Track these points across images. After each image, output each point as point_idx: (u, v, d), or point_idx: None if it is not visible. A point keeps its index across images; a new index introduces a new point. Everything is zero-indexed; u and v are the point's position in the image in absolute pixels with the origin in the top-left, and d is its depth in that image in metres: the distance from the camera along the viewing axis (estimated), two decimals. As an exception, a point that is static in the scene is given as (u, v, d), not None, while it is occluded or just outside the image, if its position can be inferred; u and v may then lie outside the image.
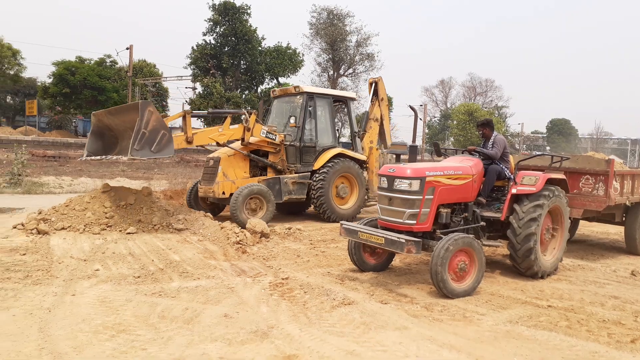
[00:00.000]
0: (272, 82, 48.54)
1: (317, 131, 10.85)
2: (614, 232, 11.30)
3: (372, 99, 11.89)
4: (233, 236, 7.72)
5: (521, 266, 6.59)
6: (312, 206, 10.83)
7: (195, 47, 44.72)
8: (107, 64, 47.45)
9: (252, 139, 9.96)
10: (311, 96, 10.72)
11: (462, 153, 7.25)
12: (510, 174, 6.90)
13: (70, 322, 4.31)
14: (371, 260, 6.59)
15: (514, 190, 6.51)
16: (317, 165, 10.67)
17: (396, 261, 7.13)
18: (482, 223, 6.54)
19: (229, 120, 9.95)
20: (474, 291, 5.76)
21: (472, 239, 5.74)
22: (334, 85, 49.26)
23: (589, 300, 5.77)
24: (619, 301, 5.80)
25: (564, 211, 6.97)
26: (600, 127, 74.72)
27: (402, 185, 5.83)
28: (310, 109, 10.70)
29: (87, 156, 8.92)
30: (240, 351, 3.90)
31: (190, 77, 46.92)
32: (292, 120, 10.25)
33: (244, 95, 46.18)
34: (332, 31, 46.78)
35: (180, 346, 3.94)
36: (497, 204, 6.84)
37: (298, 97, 10.83)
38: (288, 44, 46.97)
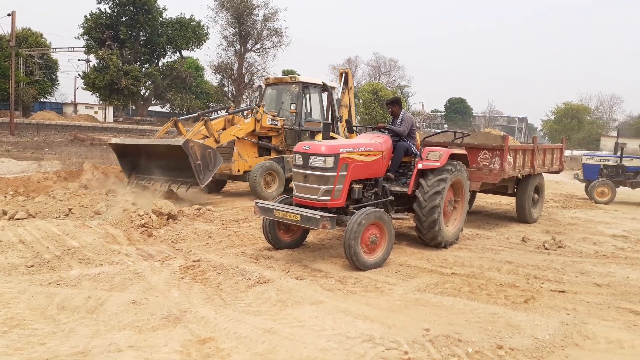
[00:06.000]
0: (174, 55, 46.27)
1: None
2: (505, 202, 12.32)
3: (342, 88, 12.94)
4: (137, 219, 7.29)
5: (426, 237, 6.94)
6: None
7: (88, 16, 41.19)
8: (-16, 32, 42.21)
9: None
10: (306, 85, 11.87)
11: (373, 130, 7.41)
12: (416, 150, 7.17)
13: (-51, 321, 3.82)
14: (286, 238, 6.57)
15: (419, 166, 6.79)
16: None
17: (310, 237, 7.17)
18: (391, 197, 6.77)
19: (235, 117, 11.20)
20: (384, 262, 5.97)
21: (383, 213, 5.92)
22: (241, 61, 48.07)
23: (487, 266, 6.23)
24: (513, 265, 6.33)
25: (464, 184, 7.42)
26: (492, 105, 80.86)
27: (317, 162, 5.84)
28: (305, 96, 11.84)
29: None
30: (152, 338, 3.70)
31: (84, 49, 43.26)
32: (292, 107, 11.39)
33: (143, 69, 43.57)
34: (237, 4, 45.35)
35: (84, 337, 3.65)
36: (404, 179, 7.10)
37: (294, 85, 11.98)
38: (192, 15, 44.93)
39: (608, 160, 15.16)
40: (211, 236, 7.09)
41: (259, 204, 6.16)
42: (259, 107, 11.21)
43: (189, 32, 44.17)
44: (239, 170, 11.00)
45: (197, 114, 12.49)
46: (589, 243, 8.13)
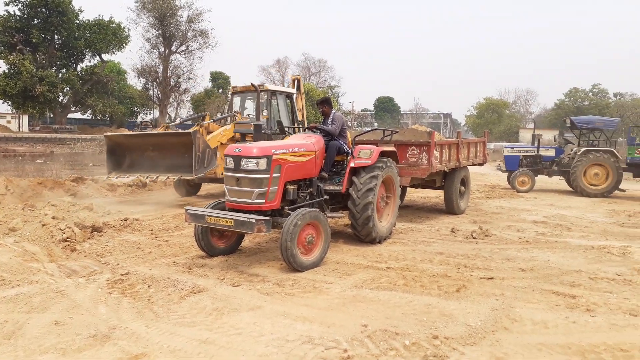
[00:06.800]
0: (94, 58, 43.95)
1: (281, 120, 12.37)
2: (434, 196, 12.79)
3: (295, 93, 13.59)
4: (58, 234, 6.82)
5: (361, 233, 7.04)
6: None
7: (-5, 19, 38.17)
8: None
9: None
10: (273, 93, 12.46)
11: (304, 130, 7.40)
12: (348, 148, 7.25)
13: None
14: (220, 244, 6.40)
15: (352, 164, 6.87)
16: None
17: (246, 242, 7.05)
18: (326, 197, 6.80)
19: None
20: (322, 262, 5.98)
21: (318, 213, 5.92)
22: (165, 63, 46.56)
23: (420, 258, 6.41)
24: (444, 256, 6.56)
25: (395, 180, 7.60)
26: (418, 103, 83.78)
27: (250, 164, 5.73)
28: (273, 102, 12.36)
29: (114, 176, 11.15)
30: (78, 359, 3.46)
31: (-9, 54, 40.04)
32: (264, 113, 11.88)
33: (60, 74, 41.09)
34: (160, 5, 43.88)
35: (-1, 367, 3.35)
36: (338, 178, 7.16)
37: (262, 93, 12.36)
38: (111, 17, 42.85)
39: (527, 151, 16.16)
40: (140, 247, 6.77)
41: (189, 211, 5.96)
42: (236, 114, 11.91)
43: (109, 35, 42.05)
44: (222, 173, 11.47)
45: (178, 121, 13.65)
46: (513, 230, 8.60)
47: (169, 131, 11.71)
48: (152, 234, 7.69)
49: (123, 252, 6.52)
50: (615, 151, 14.52)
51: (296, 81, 14.47)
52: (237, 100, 13.25)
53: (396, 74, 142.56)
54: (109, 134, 11.70)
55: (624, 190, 14.61)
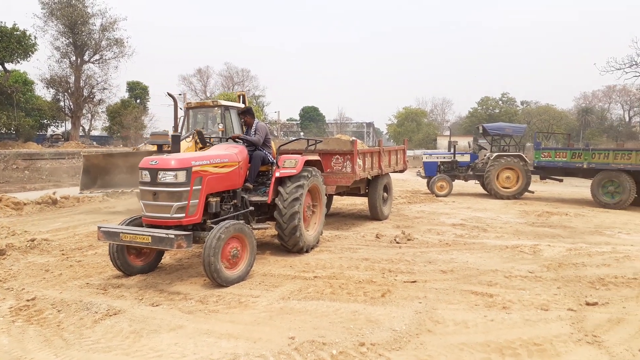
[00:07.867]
0: (-3, 68, 40.54)
1: (201, 130, 12.38)
2: (359, 203, 13.01)
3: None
4: (-47, 258, 6.15)
5: (288, 243, 6.97)
6: None
7: None
8: None
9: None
10: (227, 108, 12.61)
11: (227, 141, 7.24)
12: (273, 158, 7.18)
13: None
14: (137, 262, 6.05)
15: (277, 174, 6.81)
16: None
17: (166, 258, 6.73)
18: (251, 208, 6.67)
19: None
20: (248, 275, 5.83)
21: (243, 225, 5.77)
22: (78, 73, 43.94)
23: (347, 266, 6.45)
24: (369, 262, 6.65)
25: (321, 189, 7.62)
26: (342, 112, 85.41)
27: (167, 177, 5.47)
28: (227, 116, 12.48)
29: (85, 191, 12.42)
30: (-28, 402, 3.09)
31: None
32: (220, 127, 11.81)
33: (-42, 84, 37.50)
34: (70, 12, 41.40)
35: None
36: (263, 188, 7.06)
37: (216, 108, 12.81)
38: (15, 24, 39.76)
39: (444, 158, 16.93)
40: (49, 269, 6.24)
41: (102, 229, 5.57)
42: (196, 130, 12.05)
43: (12, 43, 38.90)
44: None
45: (145, 143, 14.27)
46: (434, 233, 8.92)
47: (147, 149, 12.89)
48: (62, 254, 7.13)
49: (29, 276, 5.98)
50: (524, 155, 15.60)
51: (242, 97, 15.19)
52: (193, 115, 13.33)
53: (320, 84, 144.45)
54: (87, 154, 12.93)
55: (532, 192, 15.73)
